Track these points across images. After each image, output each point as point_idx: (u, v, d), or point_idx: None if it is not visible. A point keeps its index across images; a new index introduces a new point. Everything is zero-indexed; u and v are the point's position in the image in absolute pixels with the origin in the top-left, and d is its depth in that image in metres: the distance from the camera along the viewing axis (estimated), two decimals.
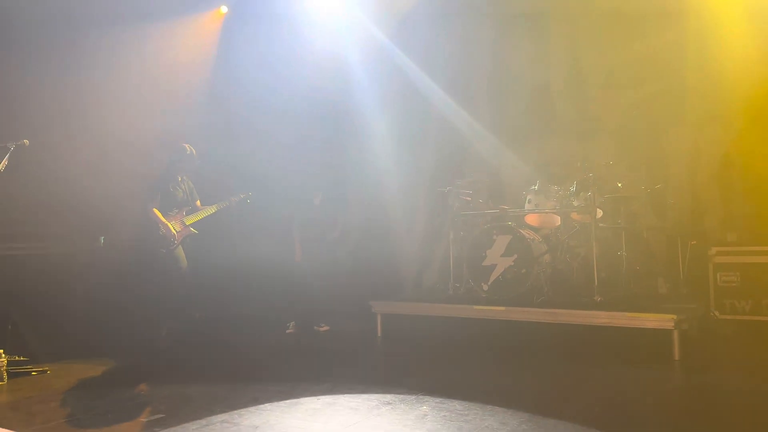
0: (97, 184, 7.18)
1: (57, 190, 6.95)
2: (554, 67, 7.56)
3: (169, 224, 5.92)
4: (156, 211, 5.93)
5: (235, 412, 3.71)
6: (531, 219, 6.45)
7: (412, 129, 8.20)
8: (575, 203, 6.08)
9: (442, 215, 6.85)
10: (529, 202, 6.29)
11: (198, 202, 6.22)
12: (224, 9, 8.52)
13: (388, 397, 3.96)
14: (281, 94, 8.09)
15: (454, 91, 7.80)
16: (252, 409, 3.77)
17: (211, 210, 6.14)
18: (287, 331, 6.62)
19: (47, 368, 4.87)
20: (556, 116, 7.52)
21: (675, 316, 4.83)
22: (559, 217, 6.30)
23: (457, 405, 3.73)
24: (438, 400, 3.85)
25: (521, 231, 6.08)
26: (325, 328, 6.66)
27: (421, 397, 3.93)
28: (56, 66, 7.02)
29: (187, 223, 6.02)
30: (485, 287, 6.13)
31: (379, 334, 6.30)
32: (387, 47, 7.86)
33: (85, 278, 7.32)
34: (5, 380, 4.49)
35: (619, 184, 6.29)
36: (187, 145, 6.12)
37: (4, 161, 4.92)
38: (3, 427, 3.48)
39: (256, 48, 8.21)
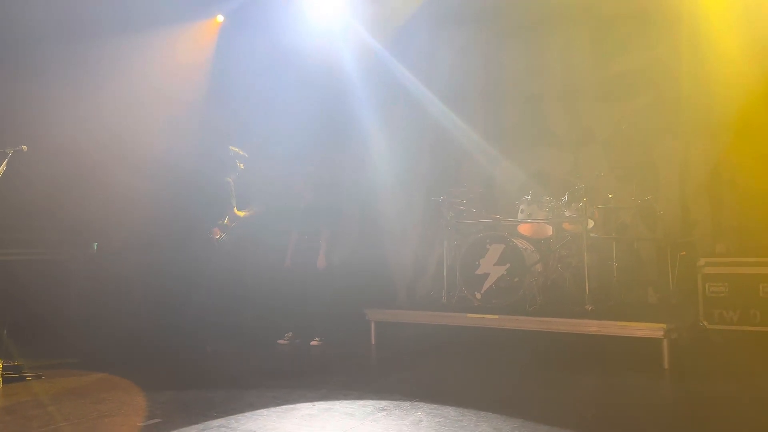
0: (91, 191, 7.20)
1: (52, 197, 6.97)
2: (548, 78, 7.66)
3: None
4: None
5: (232, 417, 3.74)
6: (524, 229, 6.53)
7: (408, 138, 8.27)
8: (567, 213, 6.16)
9: (437, 224, 6.89)
10: (522, 212, 6.36)
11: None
12: (221, 18, 8.59)
13: (383, 403, 4.00)
14: (276, 102, 8.14)
15: (449, 100, 7.88)
16: (248, 414, 3.80)
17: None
18: (279, 341, 6.54)
19: (42, 373, 4.88)
20: (549, 127, 7.62)
21: (665, 325, 4.91)
22: (551, 227, 6.38)
23: (451, 411, 3.79)
24: (432, 406, 3.90)
25: (514, 240, 6.16)
26: (317, 342, 6.45)
27: (416, 403, 3.98)
28: (53, 73, 7.05)
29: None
30: (478, 296, 6.20)
31: (372, 342, 6.34)
32: (383, 56, 7.94)
33: (79, 284, 7.34)
34: (0, 385, 4.49)
35: (610, 195, 6.40)
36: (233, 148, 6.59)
37: (2, 167, 4.95)
38: None
39: (251, 57, 8.27)
